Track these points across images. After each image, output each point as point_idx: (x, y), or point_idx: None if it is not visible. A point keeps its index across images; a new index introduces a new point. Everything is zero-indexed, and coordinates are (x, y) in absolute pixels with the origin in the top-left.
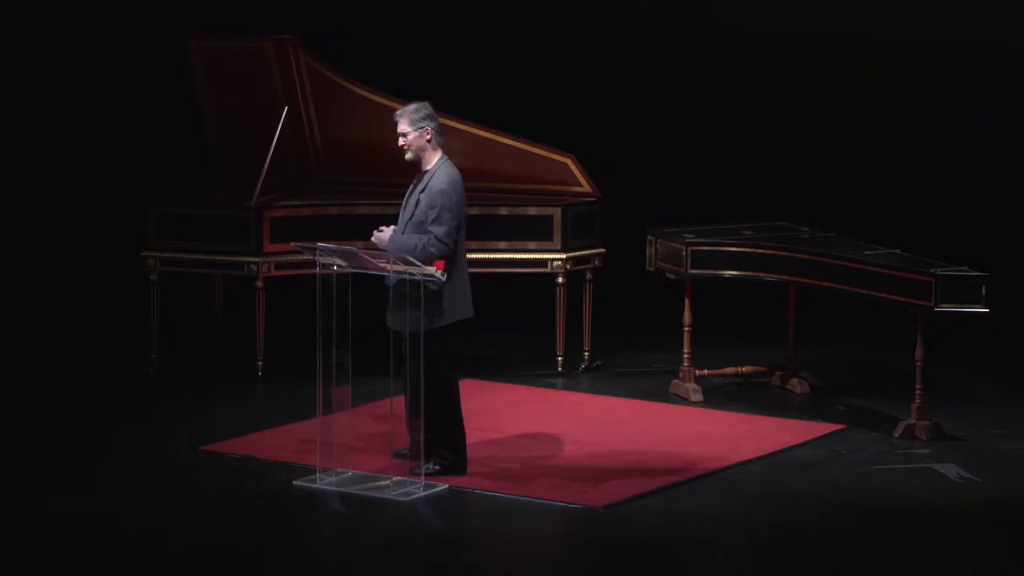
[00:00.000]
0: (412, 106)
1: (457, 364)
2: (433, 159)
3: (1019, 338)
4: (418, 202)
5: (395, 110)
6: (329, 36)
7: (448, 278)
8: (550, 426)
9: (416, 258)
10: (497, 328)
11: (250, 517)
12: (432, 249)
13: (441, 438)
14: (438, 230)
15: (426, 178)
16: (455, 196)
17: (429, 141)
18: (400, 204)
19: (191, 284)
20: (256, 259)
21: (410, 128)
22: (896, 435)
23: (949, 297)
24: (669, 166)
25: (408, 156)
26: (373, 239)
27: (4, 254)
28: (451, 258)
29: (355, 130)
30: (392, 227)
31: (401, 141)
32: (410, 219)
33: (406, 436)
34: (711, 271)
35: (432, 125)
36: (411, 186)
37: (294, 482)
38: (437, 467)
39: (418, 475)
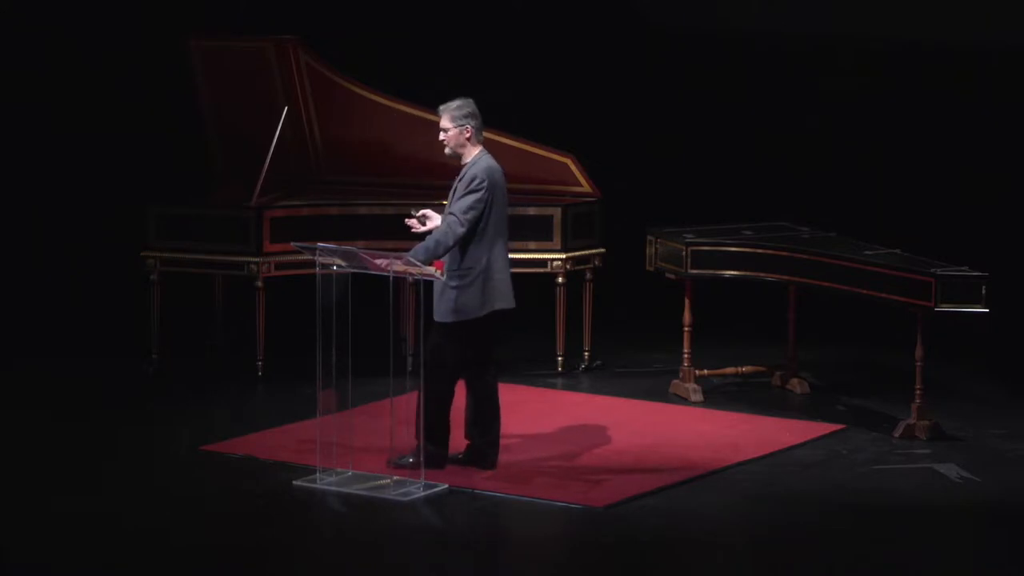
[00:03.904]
0: (456, 103)
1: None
2: (472, 154)
3: (1019, 338)
4: (455, 191)
5: (395, 110)
6: (329, 36)
7: (475, 275)
8: (550, 426)
9: (436, 246)
10: (497, 328)
11: (250, 517)
12: (449, 227)
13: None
14: (456, 207)
15: (463, 171)
16: (487, 181)
17: (468, 139)
18: (400, 204)
19: (191, 284)
20: (256, 259)
21: (451, 124)
22: (896, 435)
23: (949, 297)
24: (669, 166)
25: (447, 151)
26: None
27: (4, 254)
28: (477, 255)
29: (355, 130)
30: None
31: (441, 136)
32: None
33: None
34: (711, 271)
35: (473, 124)
36: (454, 183)
37: (294, 482)
38: (411, 460)
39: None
